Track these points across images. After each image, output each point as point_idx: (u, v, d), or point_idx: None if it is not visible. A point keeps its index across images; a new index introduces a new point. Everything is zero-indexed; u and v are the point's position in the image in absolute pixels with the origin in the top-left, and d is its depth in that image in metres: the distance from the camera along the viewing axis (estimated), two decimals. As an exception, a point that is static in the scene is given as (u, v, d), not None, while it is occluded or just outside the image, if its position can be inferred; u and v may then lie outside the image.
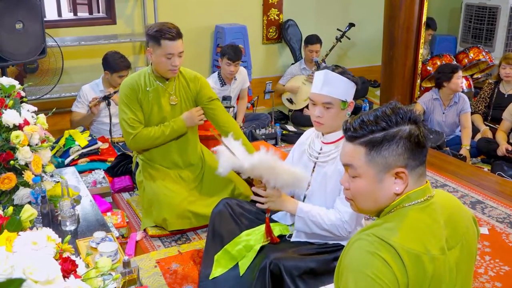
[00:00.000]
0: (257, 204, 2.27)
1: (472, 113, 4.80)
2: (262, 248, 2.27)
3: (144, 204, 3.22)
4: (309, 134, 2.49)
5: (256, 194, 2.26)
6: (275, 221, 2.45)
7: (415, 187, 1.37)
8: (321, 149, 2.34)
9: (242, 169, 2.17)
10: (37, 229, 1.92)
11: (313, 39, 5.51)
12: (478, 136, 4.62)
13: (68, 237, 1.52)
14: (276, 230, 2.36)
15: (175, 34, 2.98)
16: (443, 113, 4.61)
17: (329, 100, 2.21)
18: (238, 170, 2.22)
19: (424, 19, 4.49)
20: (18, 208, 2.09)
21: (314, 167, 2.35)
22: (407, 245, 1.28)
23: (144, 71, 3.18)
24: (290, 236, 2.38)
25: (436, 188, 1.46)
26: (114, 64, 4.16)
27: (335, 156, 2.25)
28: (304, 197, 2.39)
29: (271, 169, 2.15)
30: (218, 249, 2.38)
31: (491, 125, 4.73)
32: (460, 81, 4.53)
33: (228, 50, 4.60)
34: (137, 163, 3.37)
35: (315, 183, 2.34)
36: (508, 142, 4.32)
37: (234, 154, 2.20)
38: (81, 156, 3.88)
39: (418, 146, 1.34)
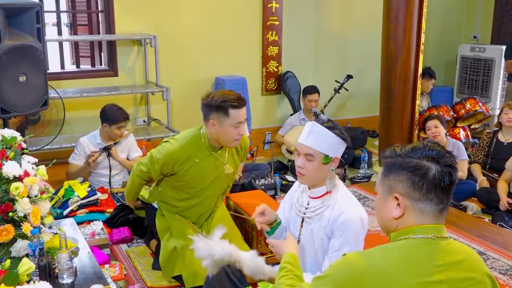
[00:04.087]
0: None
1: (471, 163, 4.82)
2: None
3: (163, 256, 3.11)
4: (297, 188, 2.46)
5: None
6: None
7: (424, 223, 1.43)
8: (308, 204, 2.31)
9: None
10: (34, 282, 1.91)
11: (311, 89, 5.62)
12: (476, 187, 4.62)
13: (65, 291, 1.50)
14: None
15: (242, 101, 2.91)
16: None
17: (311, 152, 2.19)
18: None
19: (420, 71, 4.57)
20: (16, 260, 2.07)
21: (302, 221, 2.33)
22: (386, 267, 1.37)
23: (197, 142, 3.04)
24: None
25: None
26: (113, 116, 4.20)
27: (320, 212, 2.24)
28: None
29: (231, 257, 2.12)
30: None
31: (488, 174, 4.73)
32: (432, 131, 4.65)
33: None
34: (150, 209, 3.32)
35: (304, 239, 2.31)
36: (509, 193, 4.31)
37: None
38: (80, 207, 3.86)
39: (422, 179, 1.41)
